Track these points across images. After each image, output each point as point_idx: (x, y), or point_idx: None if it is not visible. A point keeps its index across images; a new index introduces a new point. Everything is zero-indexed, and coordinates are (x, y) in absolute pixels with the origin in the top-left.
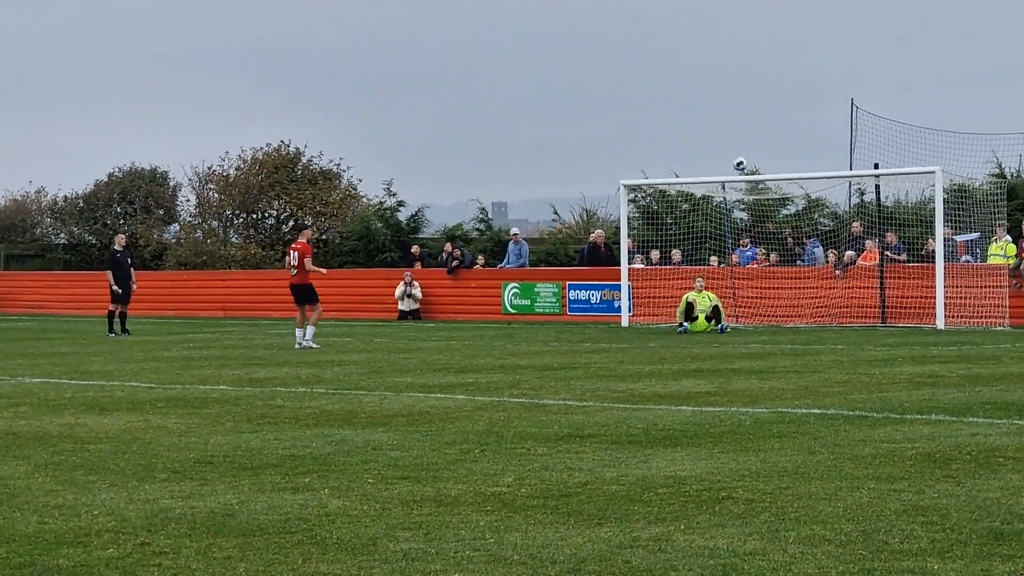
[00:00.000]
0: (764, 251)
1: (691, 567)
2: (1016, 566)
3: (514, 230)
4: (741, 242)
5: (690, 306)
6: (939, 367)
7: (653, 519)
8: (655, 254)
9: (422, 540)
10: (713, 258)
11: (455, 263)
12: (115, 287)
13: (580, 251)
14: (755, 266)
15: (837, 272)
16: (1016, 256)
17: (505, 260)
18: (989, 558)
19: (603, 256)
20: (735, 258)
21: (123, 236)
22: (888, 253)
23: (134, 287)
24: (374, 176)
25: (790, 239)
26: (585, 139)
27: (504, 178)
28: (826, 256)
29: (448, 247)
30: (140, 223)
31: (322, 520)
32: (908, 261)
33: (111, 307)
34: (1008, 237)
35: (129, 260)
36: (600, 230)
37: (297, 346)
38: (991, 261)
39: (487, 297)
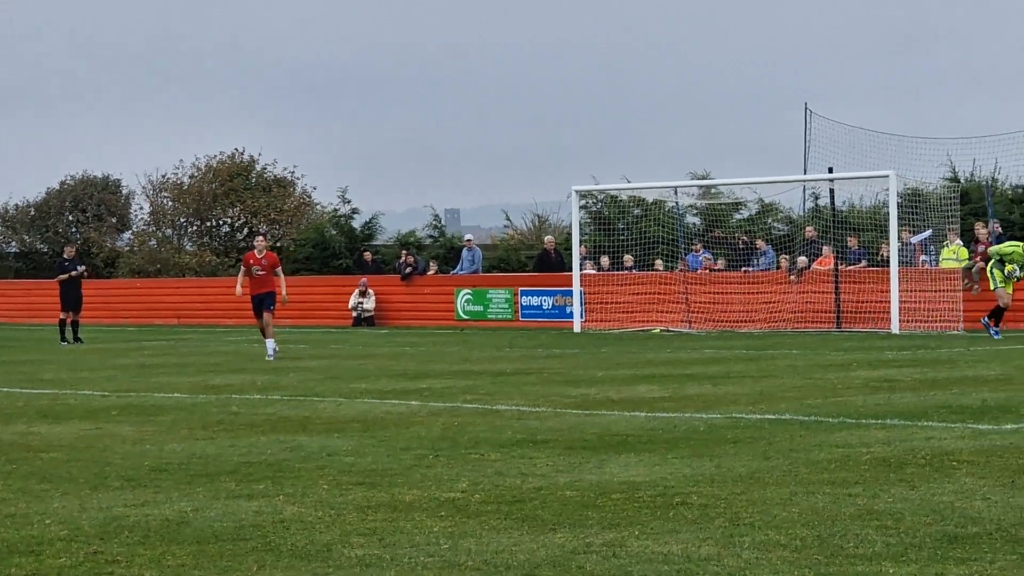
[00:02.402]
0: (711, 256)
1: (645, 572)
2: (970, 569)
3: (468, 236)
4: (693, 247)
5: None
6: (894, 371)
7: (607, 525)
8: (605, 260)
9: (377, 546)
10: (658, 262)
11: (409, 270)
12: (62, 277)
13: (535, 256)
14: (704, 271)
15: (791, 277)
16: (969, 259)
17: (459, 266)
18: (943, 562)
19: (553, 262)
20: (685, 263)
21: (72, 247)
22: (844, 267)
23: (82, 269)
24: (328, 184)
25: (741, 243)
26: (537, 145)
27: (457, 185)
28: (778, 261)
29: (403, 254)
30: (93, 231)
31: (277, 527)
32: (868, 265)
33: (61, 315)
34: (959, 241)
35: (79, 268)
36: (551, 236)
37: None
38: (943, 265)
39: (440, 303)
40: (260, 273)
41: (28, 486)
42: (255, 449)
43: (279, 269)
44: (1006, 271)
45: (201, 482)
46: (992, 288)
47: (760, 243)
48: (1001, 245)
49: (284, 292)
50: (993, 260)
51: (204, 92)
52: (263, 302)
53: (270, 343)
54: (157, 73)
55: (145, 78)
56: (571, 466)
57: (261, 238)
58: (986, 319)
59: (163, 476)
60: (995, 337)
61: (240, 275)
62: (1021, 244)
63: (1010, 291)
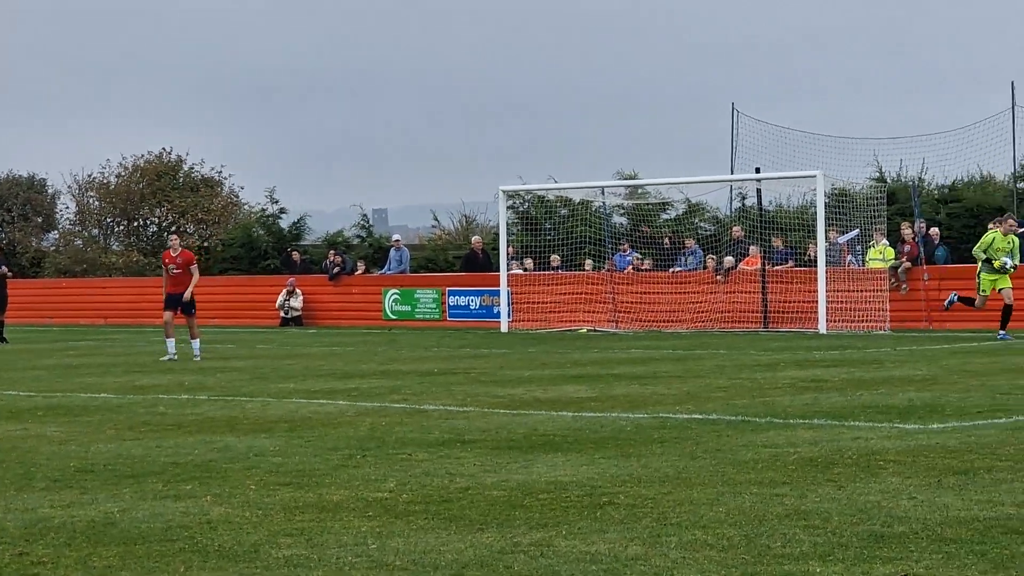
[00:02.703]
0: (640, 256)
1: (573, 572)
2: (896, 568)
3: (396, 236)
4: (621, 247)
5: None
6: (821, 371)
7: (534, 524)
8: (528, 262)
9: (304, 546)
10: (587, 262)
11: (337, 270)
12: None
13: (462, 257)
14: (629, 270)
15: (718, 277)
16: (896, 259)
17: (386, 266)
18: (870, 561)
19: (480, 262)
20: (612, 263)
21: None
22: (771, 267)
23: (5, 270)
24: (256, 183)
25: (667, 242)
26: (464, 145)
27: (384, 184)
28: (705, 261)
29: (331, 254)
30: (18, 231)
31: (204, 527)
32: (796, 265)
33: None
34: (886, 241)
35: (2, 269)
36: (478, 236)
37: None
38: (870, 265)
39: (368, 303)
40: (176, 271)
41: None
42: (182, 450)
43: (194, 267)
44: (996, 266)
45: (128, 483)
46: (981, 292)
47: (689, 242)
48: (979, 242)
49: (189, 292)
50: (980, 263)
51: (131, 92)
52: (178, 301)
53: (196, 344)
54: (83, 72)
55: (70, 77)
56: (498, 466)
57: (175, 236)
58: (1003, 333)
59: (89, 477)
60: (1006, 340)
61: (164, 275)
62: (994, 231)
63: (1009, 284)
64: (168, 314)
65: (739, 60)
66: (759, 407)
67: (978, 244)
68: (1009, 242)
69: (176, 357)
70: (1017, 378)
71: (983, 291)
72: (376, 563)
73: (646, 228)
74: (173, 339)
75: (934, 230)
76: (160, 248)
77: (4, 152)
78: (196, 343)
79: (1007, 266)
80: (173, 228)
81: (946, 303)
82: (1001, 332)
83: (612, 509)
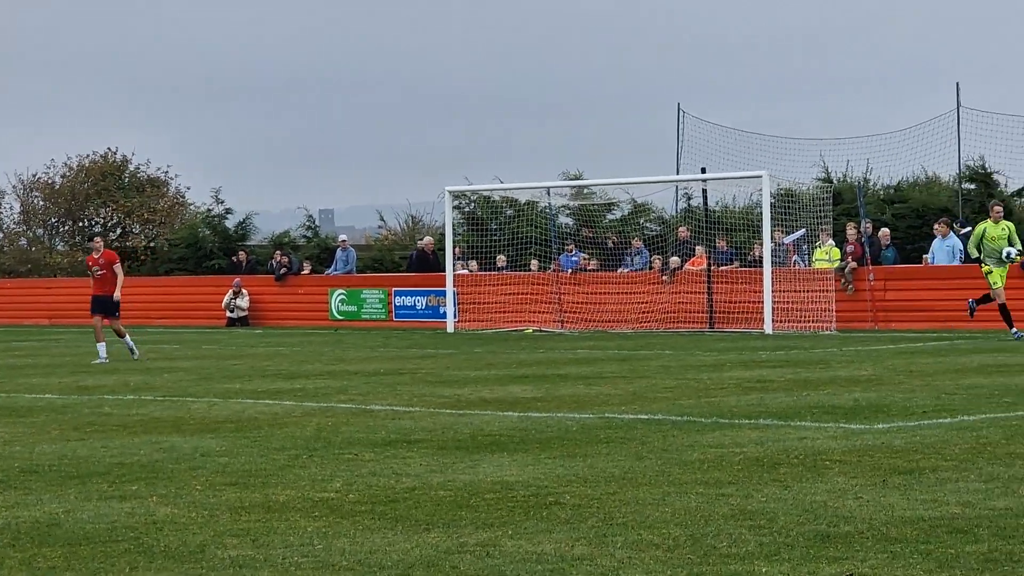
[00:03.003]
0: (586, 256)
1: (519, 572)
2: (842, 568)
3: (342, 237)
4: (567, 247)
5: None
6: (767, 372)
7: (480, 524)
8: (473, 264)
9: (250, 547)
10: (533, 262)
11: (284, 270)
12: None
13: (408, 257)
14: (571, 272)
15: (664, 277)
16: (841, 259)
17: (333, 266)
18: (816, 560)
19: (432, 263)
20: (558, 264)
21: None
22: (725, 266)
23: None
24: (202, 184)
25: (611, 243)
26: (410, 146)
27: (331, 185)
28: (651, 261)
29: (278, 255)
30: None
31: (149, 528)
32: (741, 265)
33: None
34: (832, 242)
35: None
36: (429, 237)
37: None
38: (816, 266)
39: (314, 303)
40: (100, 273)
41: None
42: (128, 450)
43: (118, 266)
44: (1003, 256)
45: (73, 483)
46: (993, 286)
47: (636, 242)
48: (972, 237)
49: (118, 293)
50: (983, 257)
51: (77, 91)
52: (103, 303)
53: (128, 340)
54: (27, 71)
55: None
56: (444, 466)
57: (98, 239)
58: (1017, 332)
59: (33, 478)
60: (1018, 338)
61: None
62: (984, 222)
63: (1000, 283)
64: (97, 318)
65: (685, 61)
66: (705, 407)
67: (971, 239)
68: (1003, 229)
69: (108, 360)
70: (961, 378)
71: (995, 284)
72: (322, 563)
73: (588, 231)
74: (104, 343)
75: (884, 231)
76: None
77: None
78: (128, 340)
79: (1011, 255)
80: (96, 233)
81: (969, 314)
82: (1014, 330)
83: (558, 509)
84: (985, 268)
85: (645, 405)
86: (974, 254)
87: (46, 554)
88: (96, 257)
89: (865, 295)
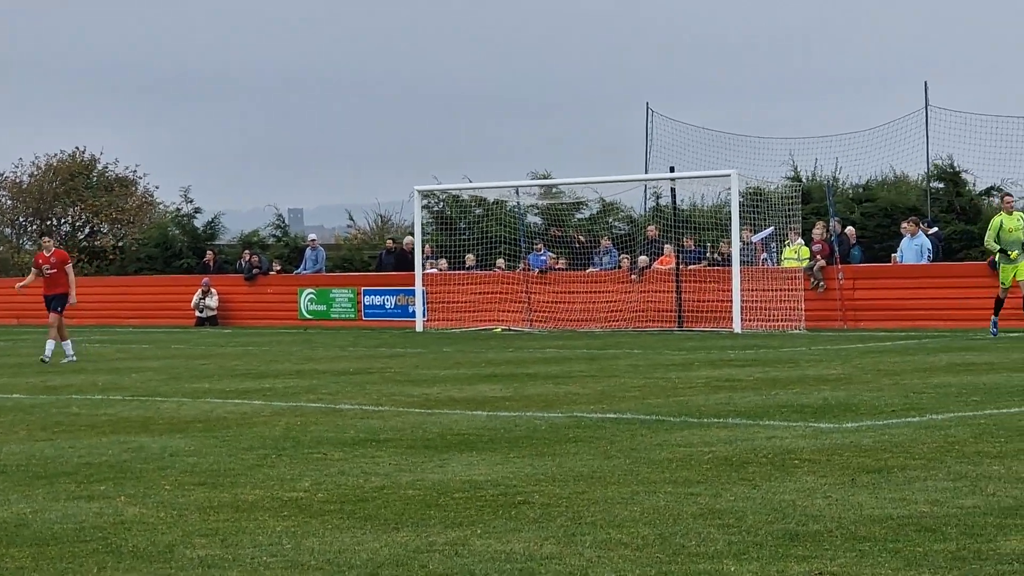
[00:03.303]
0: (554, 255)
1: (488, 571)
2: (811, 566)
3: (311, 236)
4: (535, 246)
5: None
6: (736, 371)
7: (449, 523)
8: (443, 263)
9: (219, 547)
10: (500, 261)
11: (255, 271)
12: None
13: (377, 256)
14: (536, 273)
15: (633, 276)
16: (810, 259)
17: (302, 266)
18: (784, 559)
19: (411, 262)
20: (527, 263)
21: None
22: (693, 265)
23: None
24: (171, 183)
25: (578, 243)
26: (379, 145)
27: (300, 184)
28: (619, 261)
29: (246, 254)
30: None
31: (118, 528)
32: (709, 264)
33: None
34: (801, 240)
35: None
36: (410, 236)
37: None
38: (785, 264)
39: (283, 303)
40: (51, 272)
41: None
42: (96, 450)
43: (69, 266)
44: (1012, 256)
45: (40, 483)
46: (1001, 284)
47: (605, 241)
48: (988, 230)
49: (74, 294)
50: (996, 254)
51: (45, 90)
52: (60, 301)
53: (67, 345)
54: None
55: None
56: (413, 465)
57: (47, 238)
58: (995, 329)
59: (1, 478)
60: (994, 335)
61: (30, 276)
62: (999, 214)
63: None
64: (53, 316)
65: (654, 60)
66: (674, 406)
67: (987, 234)
68: (1018, 219)
69: (76, 358)
70: (930, 377)
71: (1004, 283)
72: (291, 563)
73: (556, 230)
74: (55, 341)
75: (850, 229)
76: (74, 248)
77: None
78: (68, 345)
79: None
80: (44, 233)
81: (994, 333)
82: (994, 325)
83: (527, 508)
84: (1013, 254)
85: (614, 404)
86: (993, 248)
87: (13, 554)
88: (48, 256)
89: (834, 294)
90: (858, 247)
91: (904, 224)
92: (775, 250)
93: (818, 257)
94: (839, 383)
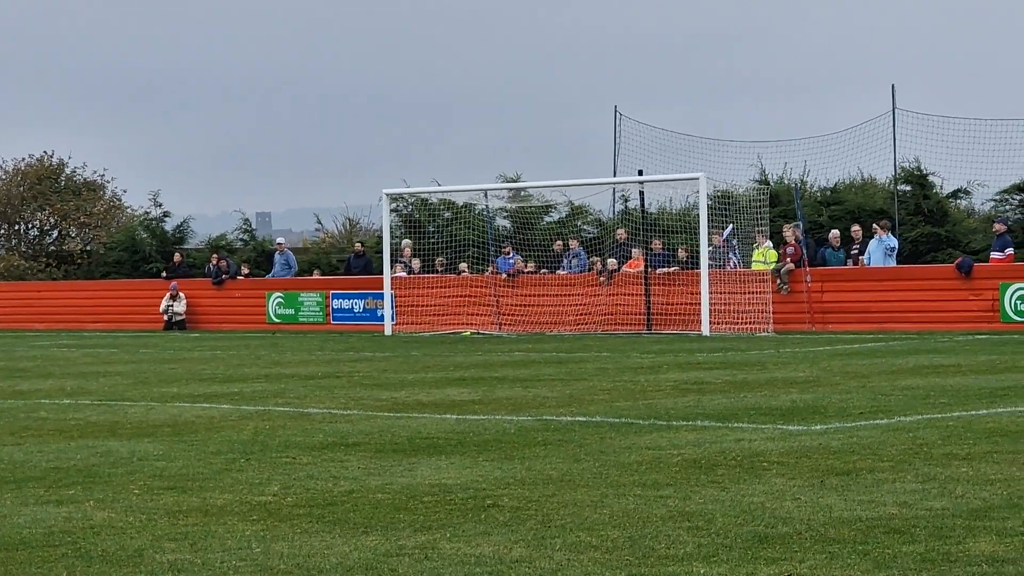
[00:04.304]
0: (522, 258)
1: (457, 575)
2: (780, 568)
3: (279, 239)
4: (503, 249)
5: None
6: (704, 373)
7: (419, 527)
8: (416, 263)
9: (188, 551)
10: (462, 265)
11: (224, 276)
12: None
13: (346, 260)
14: (505, 276)
15: (602, 279)
16: (777, 261)
17: (274, 270)
18: (754, 561)
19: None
20: (495, 266)
21: None
22: (662, 268)
23: None
24: (140, 187)
25: (557, 246)
26: (347, 148)
27: (268, 188)
28: (589, 264)
29: (215, 259)
30: None
31: (87, 532)
32: (680, 269)
33: None
34: (769, 243)
35: None
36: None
37: None
38: (754, 267)
39: (251, 307)
40: None
41: None
42: (64, 454)
43: None
44: None
45: (9, 488)
46: None
47: (573, 243)
48: None
49: None
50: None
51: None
52: None
53: None
54: None
55: None
56: (382, 469)
57: None
58: None
59: None
60: None
61: None
62: None
63: None
64: None
65: (622, 61)
66: (642, 409)
67: None
68: None
69: None
70: (897, 379)
71: None
72: (260, 567)
73: (511, 244)
74: None
75: (834, 232)
76: (42, 253)
77: None
78: None
79: None
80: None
81: None
82: None
83: (496, 511)
84: None
85: (582, 407)
86: None
87: None
88: None
89: (802, 296)
90: (841, 251)
91: (874, 225)
92: (737, 248)
93: (788, 260)
94: (807, 385)
